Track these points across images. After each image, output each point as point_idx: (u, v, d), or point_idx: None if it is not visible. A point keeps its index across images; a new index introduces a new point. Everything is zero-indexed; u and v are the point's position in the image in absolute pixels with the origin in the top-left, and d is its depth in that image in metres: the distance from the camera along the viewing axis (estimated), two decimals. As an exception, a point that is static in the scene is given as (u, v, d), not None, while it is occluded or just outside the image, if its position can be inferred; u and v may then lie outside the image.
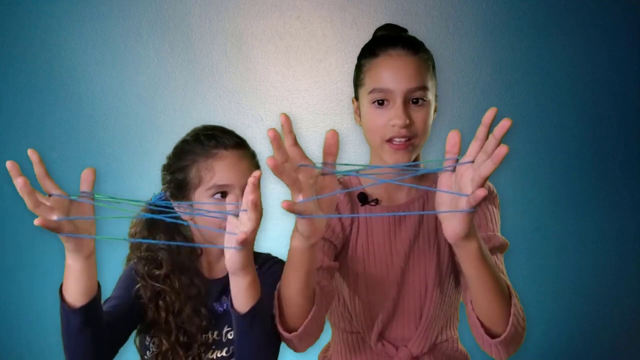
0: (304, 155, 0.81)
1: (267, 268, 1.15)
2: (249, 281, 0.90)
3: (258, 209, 0.82)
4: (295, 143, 0.80)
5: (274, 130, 0.76)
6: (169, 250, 1.11)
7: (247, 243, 0.83)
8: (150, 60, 2.11)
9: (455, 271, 1.16)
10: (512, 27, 2.04)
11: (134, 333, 1.13)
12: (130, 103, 2.12)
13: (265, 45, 2.10)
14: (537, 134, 2.06)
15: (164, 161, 1.19)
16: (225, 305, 1.14)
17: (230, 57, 2.10)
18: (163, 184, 1.18)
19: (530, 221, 2.07)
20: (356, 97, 1.16)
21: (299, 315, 0.96)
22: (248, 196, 0.81)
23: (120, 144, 2.12)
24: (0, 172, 2.27)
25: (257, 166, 1.15)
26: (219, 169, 1.09)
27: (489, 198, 1.15)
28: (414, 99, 1.07)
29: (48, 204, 0.80)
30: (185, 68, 2.11)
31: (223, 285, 1.13)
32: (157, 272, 1.10)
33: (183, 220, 1.08)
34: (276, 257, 1.20)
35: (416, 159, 1.13)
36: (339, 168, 0.84)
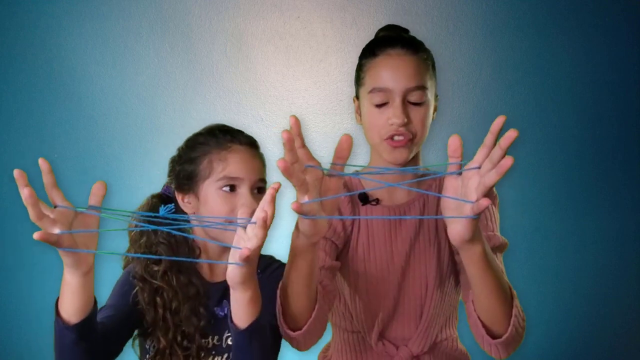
0: (311, 157, 0.82)
1: (270, 272, 1.14)
2: (249, 297, 0.88)
3: (266, 226, 0.80)
4: (304, 145, 0.81)
5: (288, 132, 0.76)
6: (168, 245, 1.11)
7: (249, 260, 0.82)
8: (150, 60, 2.11)
9: (455, 270, 1.17)
10: (512, 27, 2.04)
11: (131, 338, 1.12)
12: (130, 103, 2.12)
13: (265, 45, 2.10)
14: (537, 134, 2.06)
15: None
16: (226, 309, 1.13)
17: (230, 57, 2.10)
18: (169, 176, 1.17)
19: (530, 221, 2.07)
20: (357, 97, 1.16)
21: (302, 313, 0.96)
22: (261, 211, 0.80)
23: (120, 144, 2.12)
24: (0, 172, 2.27)
25: (265, 168, 1.15)
26: (232, 161, 1.09)
27: (489, 198, 1.15)
28: (412, 99, 1.07)
29: (52, 216, 0.78)
30: (185, 68, 2.11)
31: (224, 289, 1.12)
32: (156, 268, 1.09)
33: (189, 234, 1.07)
34: (279, 261, 1.18)
35: (415, 157, 1.13)
36: (345, 169, 0.85)
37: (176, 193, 1.15)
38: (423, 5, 2.05)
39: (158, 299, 1.08)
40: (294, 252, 0.91)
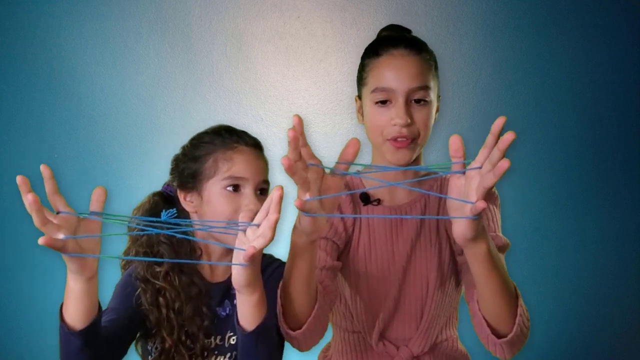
0: (313, 155, 0.83)
1: (270, 272, 1.13)
2: (255, 299, 0.88)
3: (275, 227, 0.80)
4: (306, 143, 0.82)
5: (294, 130, 0.77)
6: (169, 245, 1.11)
7: (254, 259, 0.81)
8: (150, 60, 2.11)
9: (456, 271, 1.17)
10: (512, 27, 2.04)
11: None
12: (130, 103, 2.12)
13: (265, 45, 2.10)
14: (537, 134, 2.06)
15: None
16: (227, 309, 1.13)
17: (230, 57, 2.10)
18: (172, 174, 1.17)
19: (530, 221, 2.07)
20: (359, 96, 1.16)
21: (302, 312, 0.96)
22: (271, 215, 0.79)
23: (120, 144, 2.12)
24: (1, 173, 2.27)
25: (268, 170, 1.15)
26: (238, 161, 1.09)
27: (490, 198, 1.15)
28: (415, 99, 1.07)
29: (55, 221, 0.78)
30: (185, 68, 2.11)
31: (225, 289, 1.13)
32: (158, 269, 1.09)
33: (192, 237, 1.06)
34: (279, 260, 1.18)
35: (417, 158, 1.13)
36: (347, 168, 0.86)
37: (178, 191, 1.15)
38: (423, 5, 2.05)
39: (161, 299, 1.08)
40: (293, 250, 0.91)
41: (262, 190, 1.12)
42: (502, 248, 1.09)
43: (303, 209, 0.81)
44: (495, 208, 1.15)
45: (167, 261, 1.08)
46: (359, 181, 1.19)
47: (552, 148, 2.08)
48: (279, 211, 0.80)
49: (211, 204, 1.10)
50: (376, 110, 1.09)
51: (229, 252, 1.12)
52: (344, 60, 2.07)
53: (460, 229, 0.82)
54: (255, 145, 1.14)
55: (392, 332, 1.17)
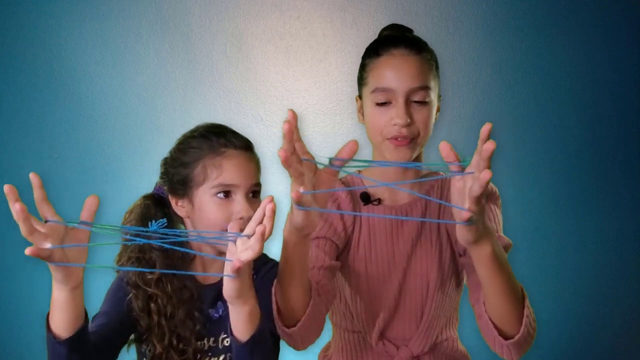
0: (306, 150, 0.83)
1: (264, 273, 1.12)
2: (247, 311, 0.87)
3: (263, 239, 0.80)
4: (300, 139, 0.82)
5: (289, 123, 0.77)
6: (162, 250, 1.08)
7: (240, 272, 0.80)
8: (150, 60, 2.11)
9: (457, 271, 1.17)
10: (512, 27, 2.04)
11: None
12: (130, 103, 2.12)
13: (265, 45, 2.10)
14: (537, 134, 2.06)
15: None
16: (220, 310, 1.12)
17: (230, 57, 2.10)
18: (161, 178, 1.15)
19: (530, 221, 2.07)
20: (360, 96, 1.16)
21: (297, 309, 0.96)
22: (260, 227, 0.79)
23: (120, 144, 2.12)
24: (0, 172, 2.26)
25: (260, 171, 1.14)
26: (227, 168, 1.07)
27: (491, 199, 1.16)
28: (416, 100, 1.07)
29: (43, 230, 0.77)
30: (185, 68, 2.11)
31: (217, 291, 1.11)
32: (149, 276, 1.07)
33: (183, 248, 1.04)
34: (273, 260, 1.16)
35: (418, 158, 1.13)
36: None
37: (169, 196, 1.13)
38: (423, 5, 2.05)
39: (152, 305, 1.07)
40: (286, 246, 0.91)
41: (255, 193, 1.10)
42: (504, 248, 1.08)
43: (299, 201, 0.81)
44: (496, 208, 1.15)
45: (156, 271, 1.06)
46: (359, 181, 1.19)
47: (552, 148, 2.08)
48: (270, 224, 0.80)
49: (203, 210, 1.08)
50: (376, 110, 1.09)
51: (221, 255, 1.11)
52: (344, 60, 2.07)
53: (461, 232, 0.82)
54: (244, 148, 1.11)
55: (392, 332, 1.17)
